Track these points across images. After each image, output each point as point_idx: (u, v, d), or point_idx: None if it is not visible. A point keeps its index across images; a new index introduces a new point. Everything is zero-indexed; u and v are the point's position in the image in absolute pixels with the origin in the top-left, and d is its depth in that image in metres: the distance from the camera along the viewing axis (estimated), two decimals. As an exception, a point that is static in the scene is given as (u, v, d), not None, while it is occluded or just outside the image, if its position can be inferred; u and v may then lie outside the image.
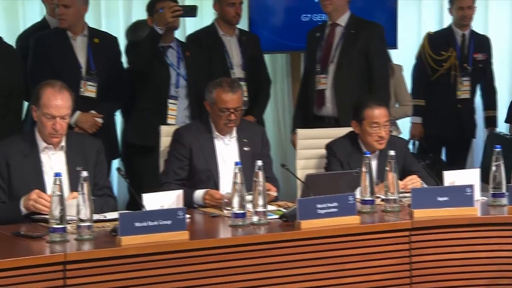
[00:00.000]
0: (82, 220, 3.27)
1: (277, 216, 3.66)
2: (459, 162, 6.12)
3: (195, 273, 3.27)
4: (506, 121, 6.35)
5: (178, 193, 3.60)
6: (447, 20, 6.40)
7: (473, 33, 6.22)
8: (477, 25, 6.42)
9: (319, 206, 3.51)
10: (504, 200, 3.87)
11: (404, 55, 6.55)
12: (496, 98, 6.37)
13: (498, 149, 3.92)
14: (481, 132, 6.59)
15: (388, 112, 4.47)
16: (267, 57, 5.99)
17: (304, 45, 5.64)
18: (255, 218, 3.54)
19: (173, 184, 4.15)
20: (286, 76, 6.49)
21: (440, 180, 4.05)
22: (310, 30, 5.60)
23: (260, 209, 3.54)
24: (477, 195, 3.98)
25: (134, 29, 5.64)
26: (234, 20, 5.53)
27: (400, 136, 5.73)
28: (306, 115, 5.47)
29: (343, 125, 4.93)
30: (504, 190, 3.88)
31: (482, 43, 6.24)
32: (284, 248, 3.42)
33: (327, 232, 3.48)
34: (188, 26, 6.01)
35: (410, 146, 6.17)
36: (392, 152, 3.85)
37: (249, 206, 3.58)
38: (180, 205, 3.53)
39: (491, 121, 6.38)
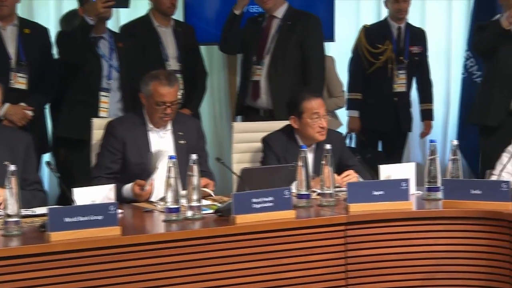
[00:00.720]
0: (9, 216, 3.20)
1: (211, 211, 3.65)
2: (395, 155, 6.20)
3: (128, 270, 3.23)
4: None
5: (110, 187, 3.55)
6: (385, 13, 6.46)
7: (408, 26, 6.30)
8: (414, 18, 6.50)
9: (254, 200, 3.50)
10: (439, 194, 3.91)
11: (342, 48, 6.59)
12: (432, 91, 6.45)
13: (433, 142, 3.98)
14: (417, 125, 6.68)
15: (324, 102, 4.51)
16: (203, 49, 5.97)
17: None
18: (189, 213, 3.52)
19: (105, 178, 4.10)
20: (222, 68, 6.47)
21: (377, 174, 4.09)
22: (251, 16, 5.64)
23: (194, 203, 3.52)
24: (413, 189, 4.03)
25: (68, 19, 5.53)
26: (169, 11, 5.48)
27: (340, 128, 5.80)
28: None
29: (278, 117, 4.97)
30: (439, 184, 3.93)
31: (417, 36, 6.31)
32: (218, 243, 3.41)
33: (262, 227, 3.48)
34: (122, 17, 5.95)
35: (348, 140, 6.23)
36: (328, 146, 3.86)
37: (183, 201, 3.55)
38: (112, 199, 3.49)
39: (427, 115, 6.45)
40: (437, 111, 6.62)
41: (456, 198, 3.77)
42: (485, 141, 5.70)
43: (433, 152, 3.96)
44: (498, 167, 4.36)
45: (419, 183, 4.09)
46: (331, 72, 6.00)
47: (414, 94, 6.46)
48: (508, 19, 5.34)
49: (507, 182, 3.72)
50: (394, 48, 6.18)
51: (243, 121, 5.62)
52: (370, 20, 6.67)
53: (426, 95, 6.44)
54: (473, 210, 3.71)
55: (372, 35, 6.23)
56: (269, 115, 5.38)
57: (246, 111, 5.61)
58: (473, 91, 6.86)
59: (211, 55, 6.37)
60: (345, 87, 6.21)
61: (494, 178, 4.26)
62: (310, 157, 4.30)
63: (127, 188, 4.06)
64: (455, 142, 3.97)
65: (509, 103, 5.40)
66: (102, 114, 4.98)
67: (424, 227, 3.73)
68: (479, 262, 3.68)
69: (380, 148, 6.43)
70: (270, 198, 3.54)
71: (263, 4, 5.46)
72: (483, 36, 5.52)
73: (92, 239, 3.18)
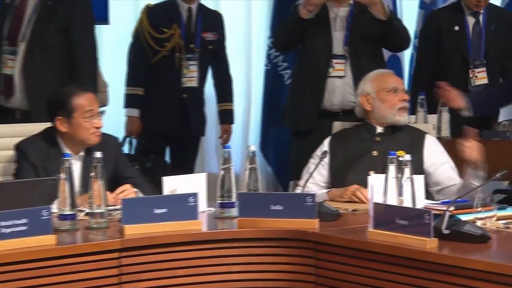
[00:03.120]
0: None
1: None
2: (185, 164, 6.28)
3: None
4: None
5: None
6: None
7: (201, 7, 6.37)
8: (207, -1, 6.60)
9: (2, 223, 3.45)
10: (234, 211, 4.01)
11: (119, 32, 6.61)
12: (232, 89, 6.58)
13: (227, 149, 4.08)
14: (212, 129, 6.80)
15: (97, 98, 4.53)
16: None
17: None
18: None
19: None
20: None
21: (160, 187, 4.13)
22: None
23: None
24: (203, 205, 4.12)
25: None
26: None
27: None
28: None
29: (36, 119, 4.90)
30: (234, 198, 4.03)
31: (212, 20, 6.40)
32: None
33: (12, 257, 3.42)
34: None
35: (127, 146, 6.25)
36: (98, 154, 3.86)
37: None
38: None
39: (226, 116, 6.57)
40: (237, 110, 6.76)
41: (253, 216, 3.87)
42: (296, 146, 5.90)
43: (226, 161, 4.06)
44: (305, 176, 4.55)
45: (214, 198, 4.16)
46: None
47: (208, 91, 6.57)
48: (306, 7, 5.55)
49: (312, 195, 3.85)
50: (182, 33, 6.25)
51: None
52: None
53: (224, 93, 6.56)
54: (273, 229, 3.82)
55: (157, 16, 6.27)
56: (27, 118, 5.29)
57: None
58: (278, 86, 7.09)
59: None
60: (122, 82, 6.22)
61: (299, 190, 4.44)
62: (76, 168, 4.29)
63: None
64: (253, 148, 4.09)
65: (320, 103, 5.62)
66: None
67: (216, 251, 3.80)
68: (280, 292, 3.82)
69: (167, 156, 6.49)
70: (24, 221, 3.49)
71: None
72: (280, 29, 5.71)
73: None
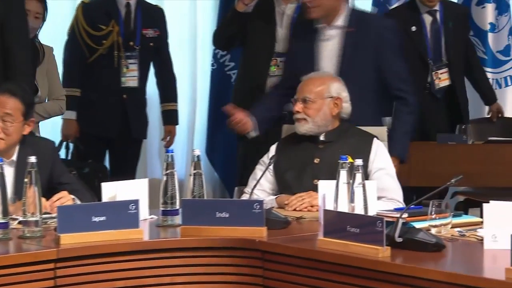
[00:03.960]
0: None
1: None
2: (126, 169, 6.27)
3: None
4: None
5: None
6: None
7: (141, 2, 6.39)
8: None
9: None
10: (177, 219, 4.03)
11: (55, 31, 6.57)
12: (175, 88, 6.60)
13: (170, 153, 4.09)
14: (155, 132, 6.80)
15: (17, 102, 4.39)
16: None
17: None
18: None
19: None
20: None
21: (99, 193, 4.14)
22: None
23: None
24: (145, 213, 4.14)
25: None
26: None
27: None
28: None
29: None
30: (177, 206, 4.04)
31: (153, 16, 6.43)
32: None
33: None
34: None
35: (63, 150, 6.22)
36: (32, 159, 3.85)
37: None
38: None
39: (170, 117, 6.60)
40: (181, 111, 6.77)
41: (198, 224, 3.88)
42: (241, 150, 5.92)
43: (169, 165, 4.07)
44: (251, 183, 4.57)
45: (156, 205, 4.17)
46: (51, 66, 6.01)
47: (150, 91, 6.58)
48: (242, 0, 5.58)
49: (260, 202, 3.88)
50: (121, 30, 6.25)
51: None
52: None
53: (168, 93, 6.58)
54: (218, 238, 3.85)
55: (93, 13, 6.27)
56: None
57: None
58: (225, 86, 7.09)
59: None
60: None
61: (245, 197, 4.47)
62: (9, 173, 4.26)
63: None
64: (197, 152, 4.11)
65: None
66: None
67: (159, 262, 3.81)
68: (227, 303, 3.84)
69: (107, 160, 6.48)
70: (-49, 230, 3.50)
71: None
72: (219, 25, 5.71)
73: None
